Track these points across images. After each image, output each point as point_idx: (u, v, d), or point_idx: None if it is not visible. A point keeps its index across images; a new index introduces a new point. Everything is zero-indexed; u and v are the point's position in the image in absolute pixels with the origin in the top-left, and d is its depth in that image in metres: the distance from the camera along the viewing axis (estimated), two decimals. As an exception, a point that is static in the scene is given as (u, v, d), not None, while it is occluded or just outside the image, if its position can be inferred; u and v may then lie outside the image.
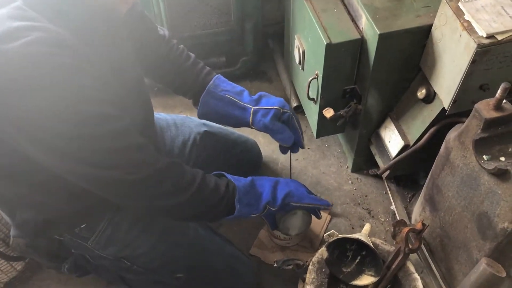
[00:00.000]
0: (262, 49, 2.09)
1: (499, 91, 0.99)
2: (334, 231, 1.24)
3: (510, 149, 1.04)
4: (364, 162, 1.73)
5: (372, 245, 1.24)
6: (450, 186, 1.21)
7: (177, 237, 1.26)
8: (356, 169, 1.76)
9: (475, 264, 1.19)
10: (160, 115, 1.50)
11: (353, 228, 1.62)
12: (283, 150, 1.34)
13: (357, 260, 1.29)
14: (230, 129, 1.63)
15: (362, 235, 1.28)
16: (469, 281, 1.12)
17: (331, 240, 1.23)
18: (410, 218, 1.54)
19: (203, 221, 1.17)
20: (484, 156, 1.04)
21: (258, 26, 1.93)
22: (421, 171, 1.69)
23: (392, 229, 1.46)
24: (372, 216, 1.64)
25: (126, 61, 1.07)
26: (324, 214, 1.63)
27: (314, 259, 1.30)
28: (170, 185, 1.00)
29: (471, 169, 1.10)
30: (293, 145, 1.29)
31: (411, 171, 1.66)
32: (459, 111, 1.25)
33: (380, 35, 1.23)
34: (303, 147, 1.33)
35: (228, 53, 1.99)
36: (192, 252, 1.27)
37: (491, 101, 1.02)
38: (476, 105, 1.04)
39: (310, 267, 1.28)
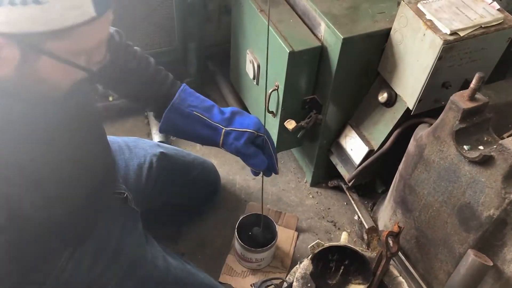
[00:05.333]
0: (205, 70, 2.04)
1: (474, 81, 1.02)
2: (319, 240, 1.17)
3: (485, 138, 1.08)
4: (323, 175, 1.71)
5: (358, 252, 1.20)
6: (425, 184, 1.22)
7: (148, 269, 1.12)
8: (315, 183, 1.73)
9: (457, 259, 1.20)
10: (110, 138, 1.35)
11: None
12: (255, 172, 1.20)
13: (341, 271, 1.24)
14: (185, 151, 1.54)
15: (342, 244, 1.24)
16: (459, 275, 1.11)
17: (317, 250, 1.17)
18: (377, 225, 1.53)
19: None
20: (465, 146, 1.06)
21: (202, 46, 1.88)
22: (377, 178, 1.71)
23: (366, 237, 1.44)
24: (338, 228, 1.61)
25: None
26: (291, 231, 1.57)
27: (298, 274, 1.22)
28: None
29: (450, 162, 1.11)
30: (265, 169, 1.17)
31: (373, 178, 1.67)
32: (423, 110, 1.28)
33: (344, 39, 1.23)
34: (276, 173, 1.21)
35: (171, 74, 1.89)
36: (166, 285, 1.14)
37: (465, 92, 1.05)
38: (451, 98, 1.06)
39: (294, 283, 1.20)
